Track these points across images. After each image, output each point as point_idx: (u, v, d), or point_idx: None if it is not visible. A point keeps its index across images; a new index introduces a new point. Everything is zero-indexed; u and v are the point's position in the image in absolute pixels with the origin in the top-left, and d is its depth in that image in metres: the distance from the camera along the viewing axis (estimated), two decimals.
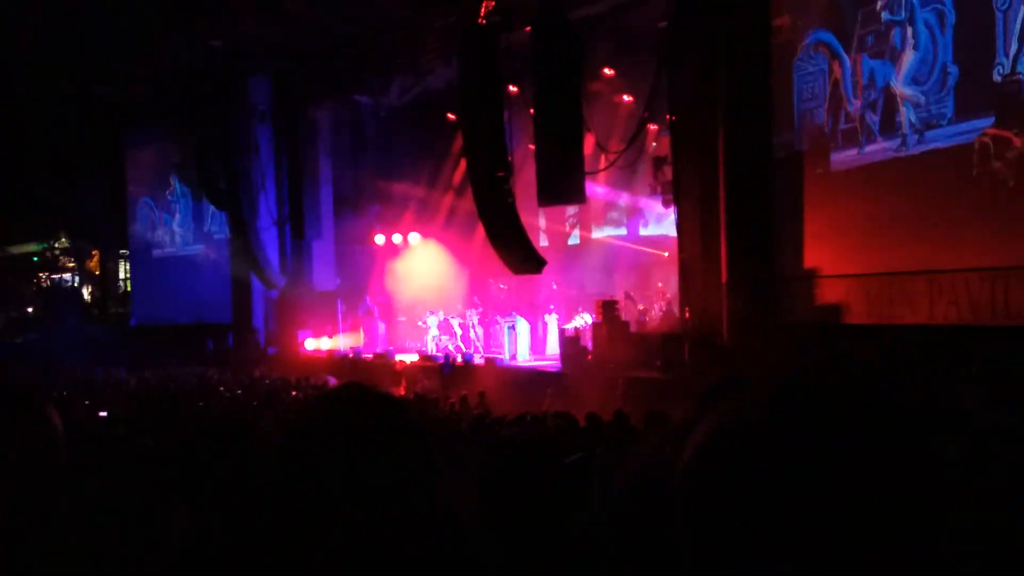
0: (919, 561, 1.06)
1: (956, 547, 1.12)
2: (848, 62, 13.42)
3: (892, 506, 1.06)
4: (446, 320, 21.49)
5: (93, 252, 36.48)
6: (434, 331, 21.53)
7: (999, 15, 11.22)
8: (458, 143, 20.06)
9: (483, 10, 17.09)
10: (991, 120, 11.40)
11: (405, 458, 1.69)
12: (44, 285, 37.80)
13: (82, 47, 22.16)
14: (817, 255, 13.94)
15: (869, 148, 13.19)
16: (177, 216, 30.09)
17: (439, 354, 20.30)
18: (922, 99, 12.38)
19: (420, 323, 22.15)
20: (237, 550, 2.12)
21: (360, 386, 1.81)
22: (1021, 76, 10.98)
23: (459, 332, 21.04)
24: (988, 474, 2.38)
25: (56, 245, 37.14)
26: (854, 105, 13.41)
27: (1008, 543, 2.33)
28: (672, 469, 1.15)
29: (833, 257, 13.68)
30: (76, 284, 37.59)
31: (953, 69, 11.93)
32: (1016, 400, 7.30)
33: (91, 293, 37.11)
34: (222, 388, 17.71)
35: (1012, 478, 2.42)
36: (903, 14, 12.66)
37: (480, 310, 21.34)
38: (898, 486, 1.06)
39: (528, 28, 16.41)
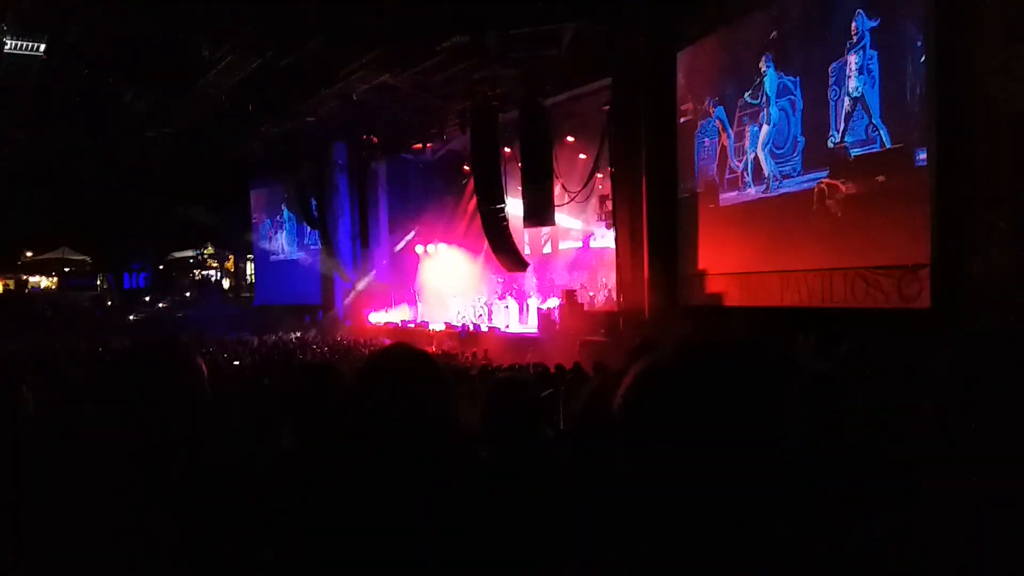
0: (767, 468, 1.07)
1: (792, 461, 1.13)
2: (731, 133, 13.38)
3: (753, 423, 1.07)
4: (464, 301, 21.49)
5: (229, 256, 36.46)
6: (456, 308, 21.52)
7: (832, 103, 11.19)
8: (470, 186, 20.02)
9: (487, 99, 17.08)
10: (826, 173, 11.35)
11: (433, 390, 1.70)
12: (197, 278, 37.72)
13: (223, 122, 22.11)
14: (707, 260, 13.94)
15: (745, 191, 13.15)
16: (285, 233, 30.00)
17: (458, 325, 20.29)
18: (780, 159, 12.36)
19: (446, 303, 22.17)
20: (326, 456, 2.12)
21: (404, 344, 1.83)
22: (846, 144, 10.96)
23: (472, 309, 21.01)
24: (812, 405, 2.38)
25: (205, 252, 37.08)
26: (735, 162, 13.36)
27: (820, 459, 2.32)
28: (611, 400, 1.16)
29: (718, 261, 13.68)
30: (218, 278, 37.52)
31: (801, 139, 11.89)
32: (835, 356, 7.29)
33: (228, 284, 37.05)
34: (315, 347, 17.69)
35: (827, 408, 2.42)
36: (765, 103, 12.64)
37: (486, 295, 21.33)
38: (757, 410, 1.08)
39: (516, 110, 16.40)
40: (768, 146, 12.57)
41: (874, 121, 10.45)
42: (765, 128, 12.62)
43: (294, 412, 2.27)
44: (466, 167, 21.08)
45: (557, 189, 16.76)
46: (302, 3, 14.57)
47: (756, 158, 12.85)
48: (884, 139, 10.31)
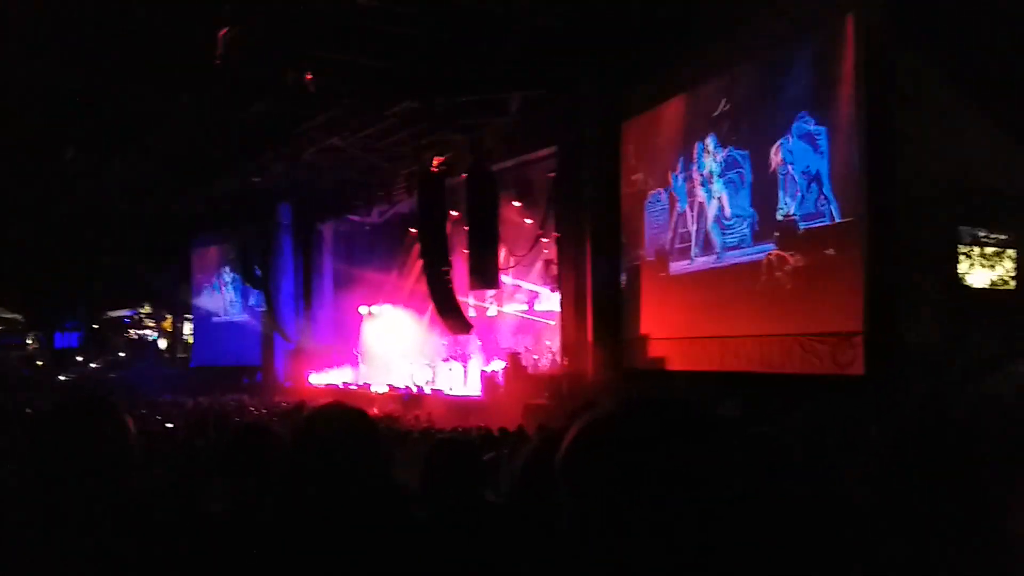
0: (706, 513, 1.08)
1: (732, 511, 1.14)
2: (684, 205, 13.58)
3: (691, 475, 1.08)
4: (407, 363, 21.30)
5: (167, 316, 35.70)
6: (399, 370, 21.31)
7: (780, 177, 11.45)
8: (416, 248, 20.02)
9: (435, 163, 17.24)
10: (774, 245, 11.56)
11: (369, 450, 1.67)
12: (132, 338, 36.81)
13: (161, 178, 21.88)
14: (652, 325, 14.08)
15: (695, 261, 13.31)
16: (227, 294, 29.55)
17: (401, 387, 20.06)
18: (729, 230, 12.56)
19: (390, 365, 21.93)
20: (257, 518, 2.06)
21: (341, 404, 1.80)
22: (794, 217, 11.18)
23: (416, 371, 20.83)
24: (750, 461, 2.40)
25: (141, 311, 36.27)
26: (686, 232, 13.55)
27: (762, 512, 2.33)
28: (551, 457, 1.17)
29: (662, 326, 13.82)
30: (155, 338, 36.69)
31: (751, 211, 12.11)
32: (770, 416, 7.37)
33: (165, 344, 36.23)
34: (252, 409, 17.29)
35: (765, 467, 2.44)
36: (713, 175, 12.91)
37: (429, 357, 21.17)
38: (694, 461, 1.09)
39: (464, 175, 16.58)
40: (718, 217, 12.80)
41: (824, 193, 10.67)
42: (714, 200, 12.89)
43: (225, 472, 2.20)
44: (412, 229, 21.11)
45: (503, 253, 16.87)
46: (251, 64, 14.61)
47: (706, 229, 13.06)
48: (834, 212, 10.51)
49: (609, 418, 1.15)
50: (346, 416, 1.72)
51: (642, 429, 1.11)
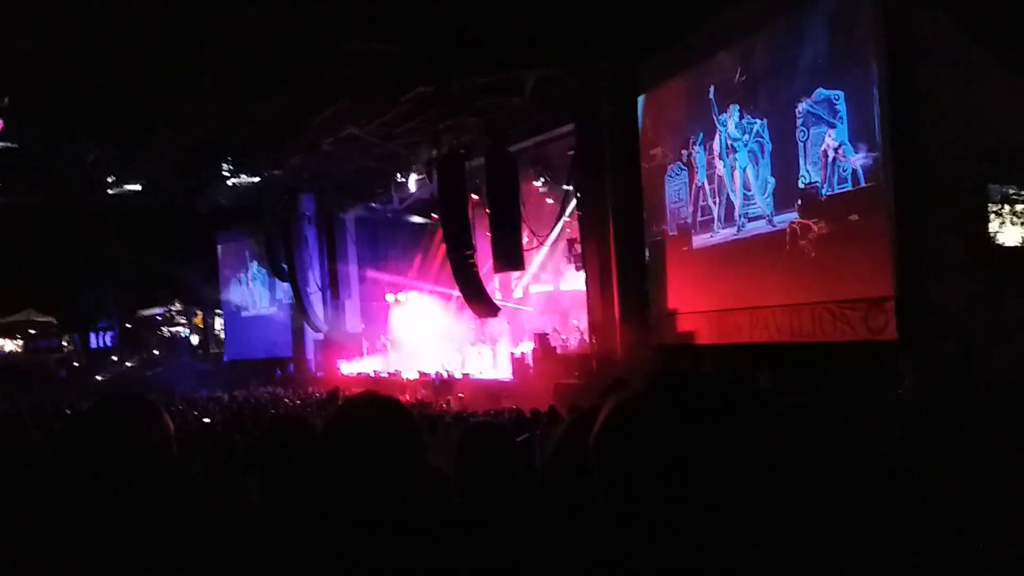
0: (742, 491, 1.07)
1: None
2: (703, 177, 13.47)
3: (724, 448, 1.08)
4: (436, 349, 21.39)
5: (198, 312, 36.10)
6: (429, 356, 21.40)
7: (800, 144, 11.30)
8: (439, 233, 20.05)
9: (453, 147, 17.22)
10: (797, 214, 11.43)
11: (403, 437, 1.68)
12: (165, 336, 37.28)
13: (187, 176, 22.08)
14: (678, 300, 14.00)
15: (718, 233, 13.20)
16: (255, 287, 29.82)
17: (432, 373, 20.16)
18: (750, 200, 12.45)
19: (419, 351, 22.04)
20: (293, 509, 2.08)
21: (373, 392, 1.81)
22: (816, 184, 11.05)
23: (446, 357, 20.90)
24: (780, 429, 2.38)
25: (172, 308, 36.70)
26: (707, 204, 13.44)
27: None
28: (585, 438, 1.17)
29: (689, 301, 13.74)
30: (187, 334, 37.12)
31: (771, 180, 11.99)
32: (802, 387, 7.33)
33: (197, 340, 36.66)
34: (287, 400, 17.46)
35: (799, 436, 2.42)
36: (733, 145, 12.78)
37: (458, 342, 21.24)
38: (728, 434, 1.09)
39: (482, 157, 16.55)
40: (739, 188, 12.68)
41: (847, 157, 10.51)
42: (735, 171, 12.76)
43: (262, 465, 2.23)
44: (434, 215, 21.14)
45: (525, 234, 16.85)
46: (265, 56, 14.65)
47: (728, 200, 12.95)
48: (858, 177, 10.37)
49: (641, 396, 1.14)
50: (379, 404, 1.73)
51: (674, 406, 1.11)
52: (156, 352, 36.32)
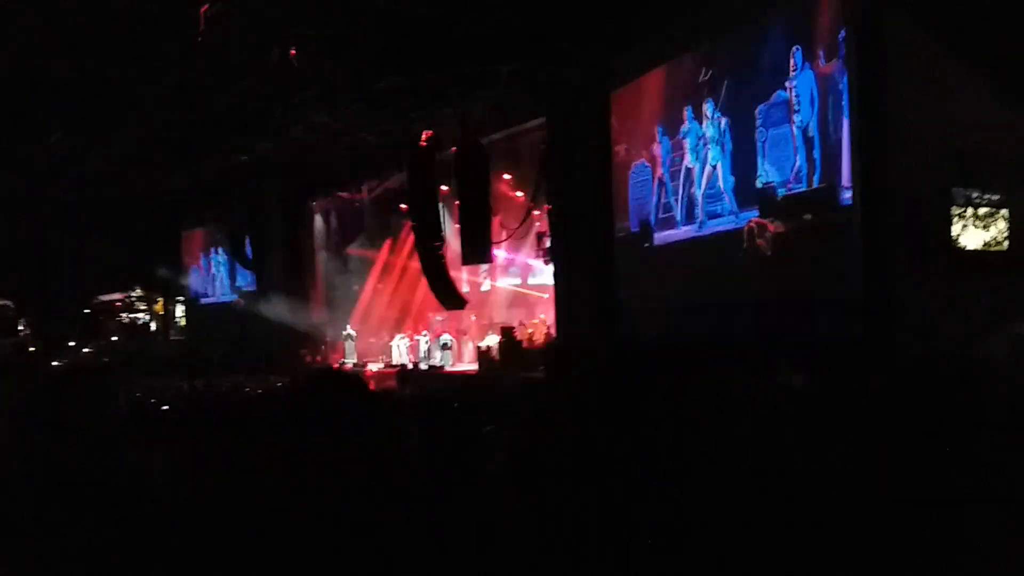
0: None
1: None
2: (666, 175, 13.55)
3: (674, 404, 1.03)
4: (402, 340, 21.30)
5: (158, 299, 35.61)
6: (396, 347, 21.30)
7: (759, 144, 11.42)
8: (407, 224, 19.94)
9: (424, 137, 17.12)
10: (755, 212, 11.53)
11: (364, 412, 1.64)
12: (124, 322, 36.72)
13: (151, 160, 21.72)
14: (642, 297, 14.05)
15: (678, 230, 13.29)
16: (218, 275, 29.42)
17: (397, 364, 20.07)
18: (711, 199, 12.54)
19: (384, 342, 21.93)
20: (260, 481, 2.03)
21: (328, 367, 1.78)
22: (773, 183, 11.16)
23: (411, 348, 20.84)
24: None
25: (133, 294, 36.15)
26: (668, 202, 13.52)
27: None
28: (546, 429, 1.13)
29: (653, 297, 13.79)
30: (147, 321, 36.62)
31: (730, 179, 12.10)
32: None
33: (156, 327, 36.19)
34: (248, 389, 17.27)
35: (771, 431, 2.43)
36: (695, 144, 12.87)
37: (425, 333, 21.16)
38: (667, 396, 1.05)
39: (453, 148, 16.48)
40: (700, 186, 12.78)
41: (812, 156, 10.60)
42: (696, 168, 12.86)
43: (228, 444, 2.17)
44: (403, 206, 21.01)
45: (495, 226, 16.81)
46: (235, 43, 14.43)
47: (689, 197, 13.04)
48: (815, 178, 10.49)
49: (602, 367, 1.11)
50: (340, 378, 1.69)
51: (634, 373, 1.07)
52: (114, 338, 35.72)
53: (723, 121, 12.28)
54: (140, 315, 36.61)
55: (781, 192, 11.04)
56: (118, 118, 18.19)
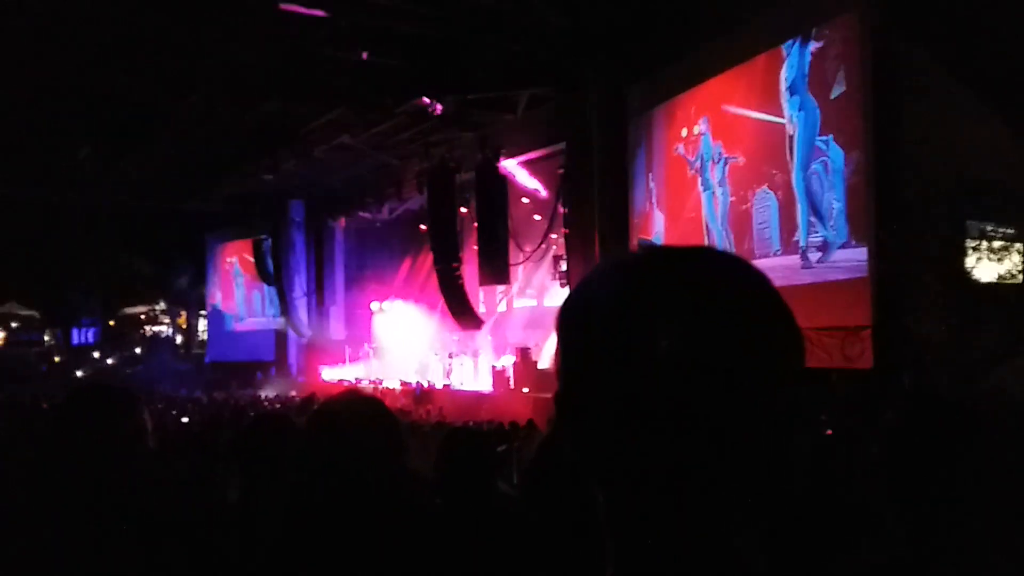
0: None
1: None
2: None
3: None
4: (418, 359, 21.29)
5: (182, 312, 35.86)
6: (411, 366, 21.29)
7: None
8: (427, 244, 20.02)
9: (444, 159, 17.26)
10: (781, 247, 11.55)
11: (384, 436, 1.66)
12: (148, 335, 36.99)
13: (179, 178, 21.99)
14: None
15: None
16: (241, 290, 29.59)
17: (412, 382, 20.05)
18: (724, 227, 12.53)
19: (401, 360, 21.92)
20: (273, 507, 2.06)
21: (354, 391, 1.80)
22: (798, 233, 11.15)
23: (427, 367, 20.81)
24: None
25: (157, 308, 36.44)
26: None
27: None
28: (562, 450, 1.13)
29: None
30: (170, 334, 36.85)
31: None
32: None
33: (180, 340, 36.40)
34: (266, 403, 17.34)
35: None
36: (717, 177, 12.86)
37: (440, 353, 21.16)
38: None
39: (473, 172, 16.58)
40: (714, 215, 12.76)
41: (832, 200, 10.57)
42: (706, 197, 12.87)
43: (243, 462, 2.20)
44: (423, 226, 21.11)
45: (512, 249, 16.85)
46: (262, 63, 14.65)
47: (705, 226, 13.01)
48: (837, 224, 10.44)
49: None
50: (360, 403, 1.71)
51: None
52: (138, 350, 36.01)
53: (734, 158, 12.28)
54: (164, 328, 36.91)
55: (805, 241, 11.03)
56: (146, 134, 18.45)
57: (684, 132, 13.53)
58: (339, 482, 1.57)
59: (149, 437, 1.89)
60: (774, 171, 11.48)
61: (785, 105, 11.25)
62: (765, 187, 11.63)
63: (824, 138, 10.59)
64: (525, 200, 18.87)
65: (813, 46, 10.90)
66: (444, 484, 2.29)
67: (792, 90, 11.13)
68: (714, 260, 0.74)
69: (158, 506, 1.94)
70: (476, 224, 16.58)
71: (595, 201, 14.85)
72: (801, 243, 10.98)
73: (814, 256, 10.77)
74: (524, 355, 17.00)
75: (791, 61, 11.22)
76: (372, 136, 18.47)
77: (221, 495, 2.46)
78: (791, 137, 11.12)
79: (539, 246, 17.62)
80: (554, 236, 17.86)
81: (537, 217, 18.87)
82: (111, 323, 36.65)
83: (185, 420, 12.56)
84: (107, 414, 1.81)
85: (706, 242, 12.94)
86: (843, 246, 10.32)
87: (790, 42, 11.25)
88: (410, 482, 1.81)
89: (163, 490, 2.34)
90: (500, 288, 20.32)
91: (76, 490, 1.73)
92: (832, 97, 10.50)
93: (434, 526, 1.72)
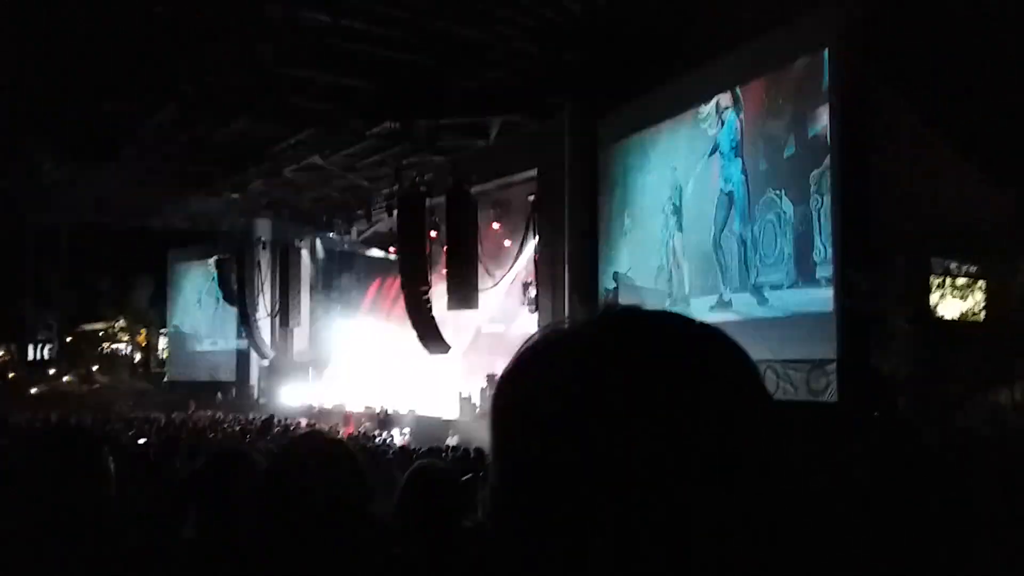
0: None
1: None
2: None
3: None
4: (384, 382, 21.09)
5: (142, 330, 35.28)
6: (376, 389, 21.07)
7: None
8: (395, 267, 19.91)
9: (414, 183, 17.23)
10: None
11: (348, 482, 1.61)
12: (106, 352, 36.29)
13: (139, 193, 21.70)
14: None
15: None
16: (204, 309, 29.20)
17: (377, 405, 19.84)
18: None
19: (366, 383, 21.69)
20: (229, 547, 1.99)
21: (320, 432, 1.75)
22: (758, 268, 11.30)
23: (392, 390, 20.61)
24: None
25: (116, 325, 35.78)
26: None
27: None
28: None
29: None
30: (128, 352, 36.21)
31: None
32: None
33: (139, 358, 35.79)
34: (226, 425, 17.05)
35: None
36: (679, 208, 12.97)
37: (407, 376, 20.97)
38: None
39: (444, 195, 16.57)
40: (684, 251, 12.91)
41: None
42: (670, 231, 13.05)
43: (199, 500, 2.12)
44: (392, 248, 21.03)
45: (481, 274, 16.82)
46: (233, 81, 14.53)
47: (676, 261, 13.13)
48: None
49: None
50: (326, 446, 1.66)
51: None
52: (95, 368, 35.28)
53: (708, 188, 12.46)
54: (122, 346, 36.22)
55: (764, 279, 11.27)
56: (111, 150, 18.17)
57: (650, 166, 13.69)
58: (299, 527, 1.51)
59: (112, 485, 1.85)
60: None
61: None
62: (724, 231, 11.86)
63: (777, 192, 10.83)
64: (496, 225, 18.89)
65: (782, 84, 11.10)
66: (406, 529, 2.22)
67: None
68: (680, 342, 0.63)
69: (115, 545, 1.87)
70: (445, 248, 16.54)
71: (565, 228, 14.91)
72: (754, 282, 11.22)
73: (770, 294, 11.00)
74: (491, 381, 16.93)
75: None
76: (343, 157, 18.41)
77: (175, 531, 2.37)
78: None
79: (508, 272, 17.63)
80: (524, 261, 17.89)
81: (507, 243, 18.90)
82: (68, 339, 35.90)
83: (142, 441, 12.25)
84: (71, 462, 1.77)
85: (672, 274, 13.04)
86: (791, 286, 10.64)
87: (761, 79, 11.45)
88: (371, 528, 1.75)
89: (119, 526, 2.26)
90: (468, 313, 20.29)
91: (35, 533, 1.68)
92: (785, 157, 10.73)
93: (395, 571, 1.66)
